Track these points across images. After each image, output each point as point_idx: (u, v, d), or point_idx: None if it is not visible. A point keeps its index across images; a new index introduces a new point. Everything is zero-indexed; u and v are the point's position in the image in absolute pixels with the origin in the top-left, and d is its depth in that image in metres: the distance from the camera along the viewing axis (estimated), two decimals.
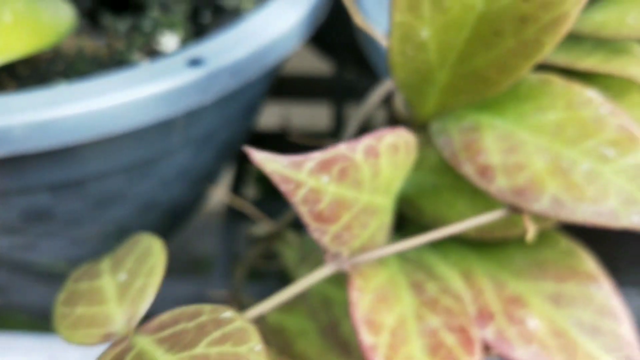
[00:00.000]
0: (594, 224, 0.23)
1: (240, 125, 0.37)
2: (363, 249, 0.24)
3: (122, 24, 0.34)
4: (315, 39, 0.45)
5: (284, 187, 0.20)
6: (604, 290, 0.27)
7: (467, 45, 0.24)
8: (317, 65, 0.51)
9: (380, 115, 0.45)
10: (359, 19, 0.27)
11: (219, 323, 0.19)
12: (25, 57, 0.30)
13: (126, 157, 0.31)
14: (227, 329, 0.19)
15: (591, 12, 0.27)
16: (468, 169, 0.25)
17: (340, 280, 0.27)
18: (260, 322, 0.34)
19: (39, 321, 0.43)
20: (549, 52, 0.23)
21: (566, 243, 0.28)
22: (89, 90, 0.27)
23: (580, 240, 0.29)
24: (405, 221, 0.30)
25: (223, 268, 0.39)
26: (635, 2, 0.26)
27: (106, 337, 0.21)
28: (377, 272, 0.26)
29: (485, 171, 0.25)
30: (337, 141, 0.24)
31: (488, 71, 0.25)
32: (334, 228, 0.22)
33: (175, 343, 0.19)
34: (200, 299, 0.36)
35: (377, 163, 0.23)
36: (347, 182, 0.22)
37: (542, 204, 0.23)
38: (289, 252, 0.33)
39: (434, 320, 0.25)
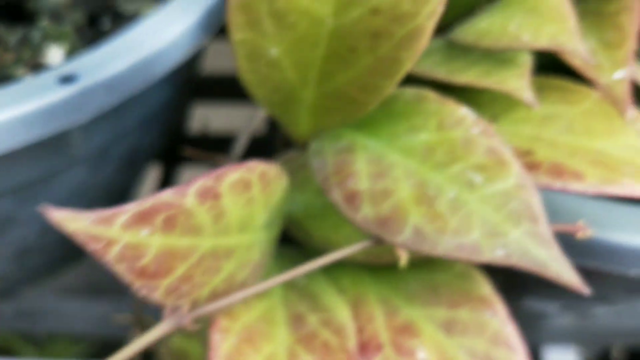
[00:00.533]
0: (456, 258, 0.21)
1: (145, 135, 0.35)
2: (216, 295, 0.22)
3: (13, 36, 0.32)
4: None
5: (91, 247, 0.18)
6: (498, 317, 0.26)
7: (325, 62, 0.22)
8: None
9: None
10: None
11: None
12: None
13: (10, 178, 0.30)
14: None
15: (479, 19, 0.25)
16: (336, 196, 0.23)
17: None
18: (164, 345, 0.32)
19: None
20: (409, 68, 0.21)
21: (461, 266, 0.26)
22: None
23: None
24: (297, 244, 0.28)
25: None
26: (521, 5, 0.24)
27: None
28: (250, 308, 0.24)
29: (352, 198, 0.23)
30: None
31: (351, 90, 0.23)
32: (166, 282, 0.20)
33: None
34: (108, 320, 0.35)
35: (219, 205, 0.21)
36: (178, 231, 0.20)
37: (404, 237, 0.22)
38: None
39: (308, 359, 0.24)
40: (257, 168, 0.22)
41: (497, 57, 0.24)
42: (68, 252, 0.38)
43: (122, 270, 0.19)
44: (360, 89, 0.22)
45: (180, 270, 0.20)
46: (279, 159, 0.29)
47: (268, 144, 0.41)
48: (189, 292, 0.21)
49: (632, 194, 0.21)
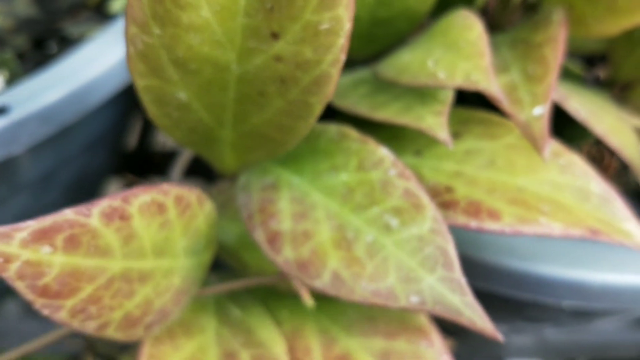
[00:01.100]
0: (372, 304, 0.21)
1: (93, 158, 0.35)
2: (130, 320, 0.22)
3: None
4: None
5: None
6: (434, 348, 0.25)
7: (238, 104, 0.22)
8: None
9: None
10: None
11: None
12: None
13: None
14: None
15: (405, 51, 0.24)
16: (259, 236, 0.23)
17: None
18: None
19: None
20: (320, 111, 0.21)
21: None
22: None
23: None
24: (234, 271, 0.28)
25: None
26: (443, 38, 0.23)
27: None
28: (178, 349, 0.24)
29: (274, 239, 0.23)
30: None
31: (267, 130, 0.22)
32: (70, 302, 0.20)
33: None
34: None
35: (128, 226, 0.20)
36: (82, 251, 0.19)
37: (323, 281, 0.21)
38: None
39: None
40: (171, 191, 0.22)
41: (419, 91, 0.23)
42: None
43: (22, 288, 0.18)
44: (276, 129, 0.22)
45: (86, 291, 0.20)
46: (214, 187, 0.29)
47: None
48: (98, 314, 0.20)
49: (548, 234, 0.21)
